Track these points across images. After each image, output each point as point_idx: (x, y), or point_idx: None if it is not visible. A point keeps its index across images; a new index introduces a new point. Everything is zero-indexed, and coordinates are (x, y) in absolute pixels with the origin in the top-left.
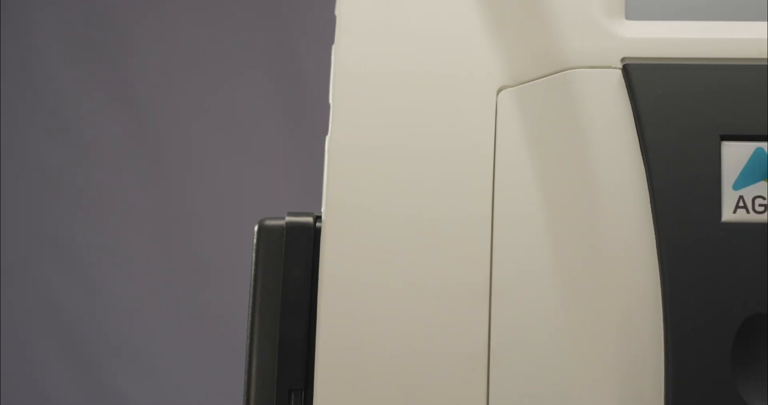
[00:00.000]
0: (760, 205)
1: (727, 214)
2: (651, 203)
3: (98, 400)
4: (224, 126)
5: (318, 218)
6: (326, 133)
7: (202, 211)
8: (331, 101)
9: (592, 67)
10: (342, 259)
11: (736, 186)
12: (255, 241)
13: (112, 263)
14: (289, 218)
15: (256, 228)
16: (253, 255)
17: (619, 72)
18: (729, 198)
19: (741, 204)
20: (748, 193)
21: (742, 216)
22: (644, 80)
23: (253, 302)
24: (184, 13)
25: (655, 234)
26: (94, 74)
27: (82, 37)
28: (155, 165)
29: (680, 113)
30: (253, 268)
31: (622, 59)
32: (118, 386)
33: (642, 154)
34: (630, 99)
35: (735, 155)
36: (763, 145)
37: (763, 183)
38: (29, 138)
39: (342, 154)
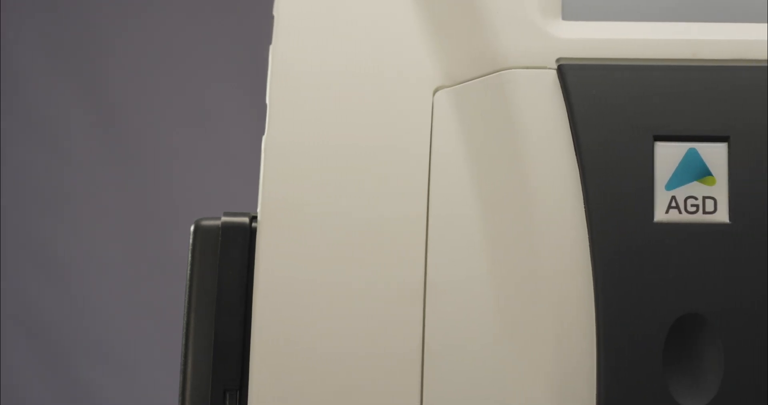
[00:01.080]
0: (692, 205)
1: (660, 215)
2: (584, 204)
3: (71, 400)
4: (200, 127)
5: (254, 218)
6: None
7: (176, 211)
8: (267, 101)
9: (527, 68)
10: (277, 259)
11: (669, 186)
12: (191, 241)
13: (86, 264)
14: (224, 218)
15: (192, 228)
16: (189, 255)
17: (554, 72)
18: (662, 198)
19: (673, 204)
20: (681, 193)
21: (674, 216)
22: (578, 81)
23: (189, 302)
24: (159, 13)
25: (588, 234)
26: (68, 76)
27: (57, 39)
28: (130, 166)
29: (614, 114)
30: (188, 268)
31: (557, 60)
32: (92, 387)
33: (576, 155)
34: (564, 99)
35: (668, 156)
36: (696, 145)
37: (695, 183)
38: (3, 140)
39: (278, 153)
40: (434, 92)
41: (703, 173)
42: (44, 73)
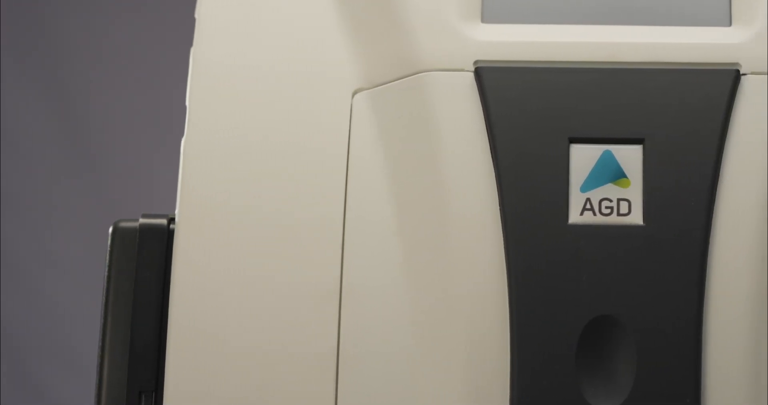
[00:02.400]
0: (606, 207)
1: (574, 217)
2: (499, 206)
3: (28, 401)
4: (161, 129)
5: (172, 220)
6: None
7: (136, 215)
8: (187, 103)
9: (445, 70)
10: (194, 260)
11: (584, 188)
12: (109, 242)
13: (45, 267)
14: (142, 220)
15: (110, 229)
16: (107, 256)
17: (472, 75)
18: (576, 200)
19: (588, 206)
20: (596, 195)
21: (588, 218)
22: (495, 83)
23: (106, 304)
24: (118, 13)
25: (503, 236)
26: (27, 78)
27: (15, 40)
28: (89, 169)
29: (530, 116)
30: (106, 269)
31: (475, 62)
32: (51, 390)
33: (491, 157)
34: (481, 102)
35: (583, 158)
36: (611, 147)
37: (610, 185)
38: None
39: (197, 155)
40: (353, 94)
41: (617, 175)
42: (3, 76)
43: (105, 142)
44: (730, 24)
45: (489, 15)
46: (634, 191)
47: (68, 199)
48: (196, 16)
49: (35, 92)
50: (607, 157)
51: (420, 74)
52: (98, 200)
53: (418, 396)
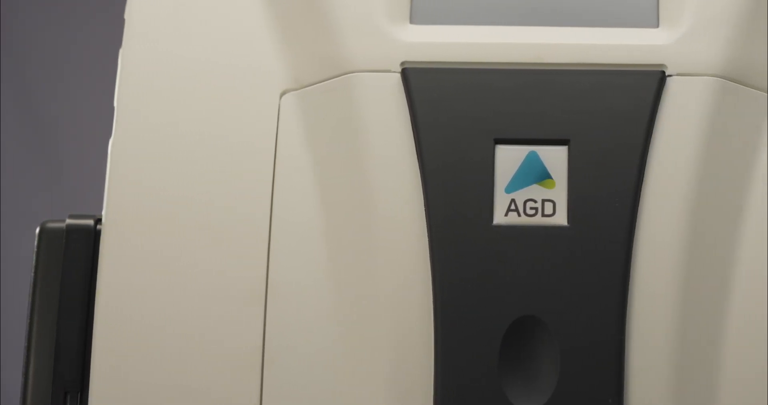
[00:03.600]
0: (531, 208)
1: (499, 218)
2: (424, 206)
3: None
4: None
5: (99, 220)
6: None
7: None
8: (115, 104)
9: (372, 71)
10: (120, 261)
11: (509, 189)
12: (36, 243)
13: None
14: (69, 220)
15: (37, 230)
16: (34, 257)
17: (399, 76)
18: (501, 201)
19: (513, 207)
20: (520, 196)
21: (513, 219)
22: (421, 84)
23: (32, 304)
24: (82, 13)
25: (428, 237)
26: None
27: None
28: (53, 167)
29: (455, 117)
30: (33, 270)
31: (402, 63)
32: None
33: (417, 158)
34: (407, 102)
35: (508, 158)
36: (536, 148)
37: (535, 186)
38: None
39: (124, 156)
40: (281, 95)
41: (542, 176)
42: None
43: (69, 142)
44: (657, 25)
45: (417, 16)
46: (559, 192)
47: (23, 198)
48: (126, 16)
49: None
50: (533, 158)
51: (347, 75)
52: (53, 199)
53: (342, 395)
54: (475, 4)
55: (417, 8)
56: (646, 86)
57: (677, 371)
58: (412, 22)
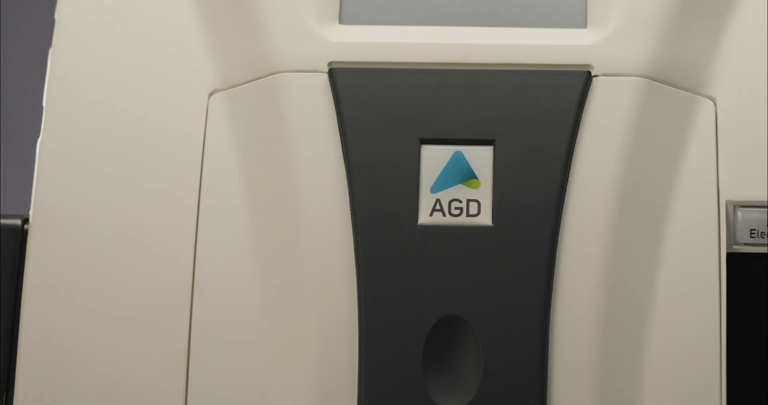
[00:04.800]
0: (456, 208)
1: (424, 217)
2: (350, 206)
3: None
4: None
5: (27, 220)
6: None
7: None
8: (44, 104)
9: (299, 72)
10: (47, 261)
11: (434, 189)
12: None
13: None
14: None
15: None
16: None
17: (326, 76)
18: (426, 201)
19: (438, 207)
20: (445, 196)
21: (438, 219)
22: (348, 84)
23: None
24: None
25: (353, 237)
26: None
27: None
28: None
29: (382, 117)
30: None
31: (329, 63)
32: None
33: (343, 157)
34: (334, 102)
35: (434, 159)
36: (462, 148)
37: (460, 186)
38: None
39: (52, 157)
40: (210, 95)
41: (468, 176)
42: None
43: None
44: (585, 26)
45: (347, 16)
46: (484, 192)
47: None
48: (56, 16)
49: None
50: (458, 158)
51: (275, 75)
52: (17, 202)
53: (268, 395)
54: (404, 4)
55: (346, 8)
56: (572, 86)
57: (600, 370)
58: (341, 22)
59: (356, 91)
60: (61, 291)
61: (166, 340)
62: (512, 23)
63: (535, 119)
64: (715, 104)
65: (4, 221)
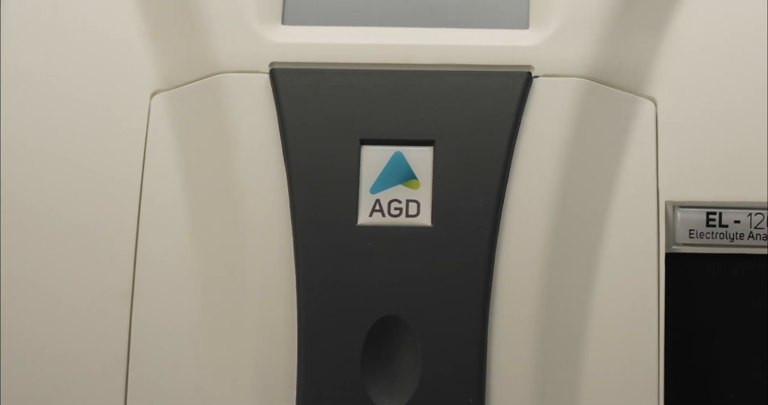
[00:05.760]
0: (396, 208)
1: (363, 218)
2: (290, 206)
3: None
4: None
5: None
6: None
7: None
8: None
9: (241, 72)
10: None
11: (374, 190)
12: None
13: None
14: None
15: None
16: None
17: (268, 76)
18: (366, 201)
19: (377, 207)
20: (385, 196)
21: (377, 219)
22: (288, 85)
23: None
24: None
25: (293, 237)
26: None
27: None
28: None
29: (322, 117)
30: None
31: (271, 64)
32: None
33: (284, 158)
34: (275, 103)
35: (374, 159)
36: (402, 149)
37: (400, 187)
38: None
39: None
40: (152, 95)
41: (407, 177)
42: None
43: None
44: (527, 27)
45: (290, 17)
46: (424, 192)
47: None
48: (1, 15)
49: None
50: (398, 159)
51: (216, 76)
52: None
53: (207, 396)
54: (348, 5)
55: (289, 9)
56: (512, 87)
57: (539, 370)
58: (284, 22)
59: (297, 91)
60: (2, 291)
61: (105, 340)
62: (455, 24)
63: (475, 120)
64: (655, 105)
65: None
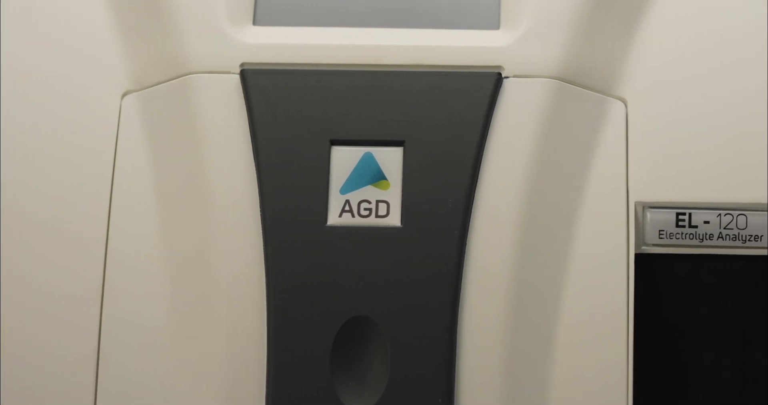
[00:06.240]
0: (365, 209)
1: (333, 218)
2: (260, 206)
3: None
4: None
5: None
6: None
7: None
8: None
9: (211, 73)
10: None
11: (344, 190)
12: None
13: None
14: None
15: None
16: None
17: (238, 77)
18: (336, 202)
19: (347, 208)
20: (355, 197)
21: (347, 220)
22: (259, 85)
23: None
24: None
25: (263, 237)
26: None
27: None
28: None
29: (292, 118)
30: None
31: (241, 64)
32: None
33: (254, 159)
34: (245, 104)
35: (344, 160)
36: (372, 149)
37: (370, 187)
38: None
39: None
40: (123, 96)
41: (377, 177)
42: None
43: None
44: (498, 27)
45: (261, 17)
46: (393, 193)
47: None
48: None
49: None
50: (368, 159)
51: (187, 76)
52: None
53: (176, 396)
54: (320, 5)
55: (261, 9)
56: (483, 88)
57: (508, 371)
58: (255, 23)
59: (267, 92)
60: None
61: (75, 341)
62: (426, 25)
63: (445, 120)
64: (625, 105)
65: None
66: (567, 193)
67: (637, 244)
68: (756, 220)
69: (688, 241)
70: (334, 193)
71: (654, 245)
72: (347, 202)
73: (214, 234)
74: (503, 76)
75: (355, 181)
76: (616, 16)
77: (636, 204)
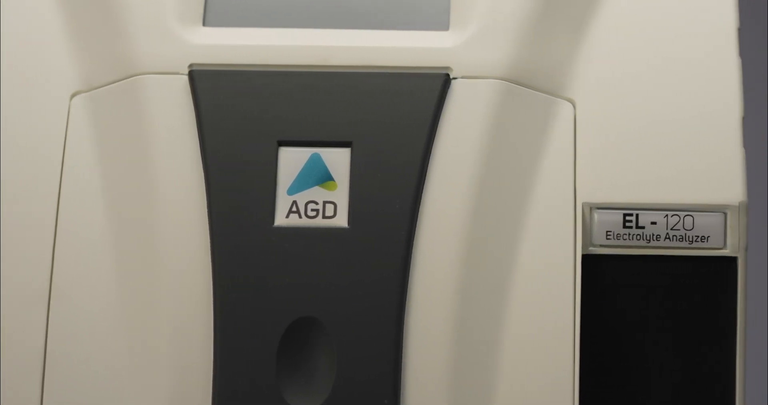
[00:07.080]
0: (312, 210)
1: (280, 219)
2: (207, 207)
3: None
4: None
5: None
6: None
7: None
8: None
9: (160, 74)
10: None
11: (291, 191)
12: None
13: None
14: None
15: None
16: None
17: (186, 78)
18: (283, 203)
19: (294, 209)
20: (302, 198)
21: (294, 221)
22: (207, 86)
23: None
24: None
25: (210, 238)
26: None
27: None
28: None
29: (240, 119)
30: None
31: (190, 65)
32: None
33: (201, 160)
34: (193, 105)
35: (291, 161)
36: (319, 150)
37: (317, 188)
38: None
39: None
40: (72, 96)
41: (325, 178)
42: None
43: None
44: (448, 28)
45: (211, 18)
46: (341, 194)
47: None
48: None
49: None
50: (315, 160)
51: (135, 77)
52: None
53: (123, 397)
54: (270, 6)
55: (211, 10)
56: (431, 89)
57: (454, 371)
58: (205, 24)
59: (215, 93)
60: None
61: (21, 342)
62: (376, 26)
63: (393, 121)
64: (574, 106)
65: None
66: (514, 194)
67: (585, 245)
68: (703, 221)
69: (635, 242)
70: (281, 193)
71: (601, 246)
72: (294, 202)
73: (162, 235)
74: (451, 77)
75: (302, 182)
76: (564, 18)
77: (583, 205)
